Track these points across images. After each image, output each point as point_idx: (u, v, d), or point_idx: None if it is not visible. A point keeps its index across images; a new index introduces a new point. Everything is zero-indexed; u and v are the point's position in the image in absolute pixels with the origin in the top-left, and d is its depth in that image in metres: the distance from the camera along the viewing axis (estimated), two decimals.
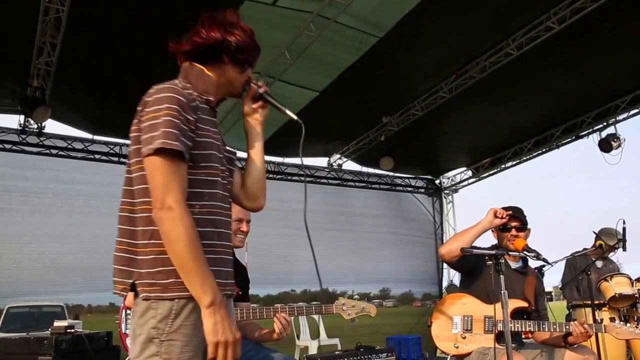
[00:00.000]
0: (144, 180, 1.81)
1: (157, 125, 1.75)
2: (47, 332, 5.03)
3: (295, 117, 2.10)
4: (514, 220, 3.87)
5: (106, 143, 8.55)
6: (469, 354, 3.72)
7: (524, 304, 3.79)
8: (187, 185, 1.80)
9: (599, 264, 5.88)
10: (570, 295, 6.03)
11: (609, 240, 6.04)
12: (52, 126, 7.98)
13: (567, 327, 3.61)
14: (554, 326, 3.65)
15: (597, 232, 6.25)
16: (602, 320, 4.51)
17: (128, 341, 3.52)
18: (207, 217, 1.88)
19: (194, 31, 1.99)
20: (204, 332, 1.77)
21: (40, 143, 8.01)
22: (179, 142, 1.75)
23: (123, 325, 3.56)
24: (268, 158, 9.37)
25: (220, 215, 1.93)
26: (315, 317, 8.47)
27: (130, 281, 1.79)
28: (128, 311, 3.57)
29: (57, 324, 5.12)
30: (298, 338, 8.44)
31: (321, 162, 10.61)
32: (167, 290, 1.74)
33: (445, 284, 11.40)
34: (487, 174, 11.07)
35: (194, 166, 1.85)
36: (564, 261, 6.20)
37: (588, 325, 3.56)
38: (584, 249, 6.16)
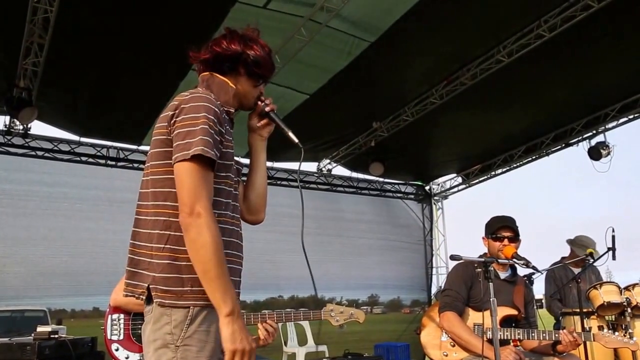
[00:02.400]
0: (164, 183, 1.84)
1: (194, 132, 1.79)
2: (29, 337, 4.93)
3: (296, 140, 2.14)
4: (506, 230, 3.86)
5: (93, 145, 8.44)
6: None
7: (514, 312, 3.79)
8: (213, 194, 1.85)
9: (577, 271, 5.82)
10: (556, 308, 5.96)
11: (579, 251, 5.96)
12: (38, 127, 7.89)
13: (556, 335, 3.60)
14: (543, 334, 3.64)
15: (570, 240, 6.21)
16: (590, 328, 4.49)
17: (118, 350, 3.45)
18: (222, 226, 1.90)
19: (215, 41, 2.07)
20: (217, 339, 1.80)
21: (26, 144, 7.88)
22: (213, 152, 1.81)
23: (109, 331, 3.48)
24: None
25: (233, 225, 1.96)
26: (303, 323, 8.40)
27: (146, 285, 1.81)
28: (114, 316, 3.50)
29: (40, 329, 5.00)
30: (285, 344, 8.37)
31: (310, 166, 10.57)
32: (181, 298, 1.76)
33: (434, 290, 11.38)
34: (477, 180, 11.05)
35: (216, 175, 1.89)
36: (544, 276, 6.16)
37: (577, 334, 3.55)
38: (562, 258, 6.16)
